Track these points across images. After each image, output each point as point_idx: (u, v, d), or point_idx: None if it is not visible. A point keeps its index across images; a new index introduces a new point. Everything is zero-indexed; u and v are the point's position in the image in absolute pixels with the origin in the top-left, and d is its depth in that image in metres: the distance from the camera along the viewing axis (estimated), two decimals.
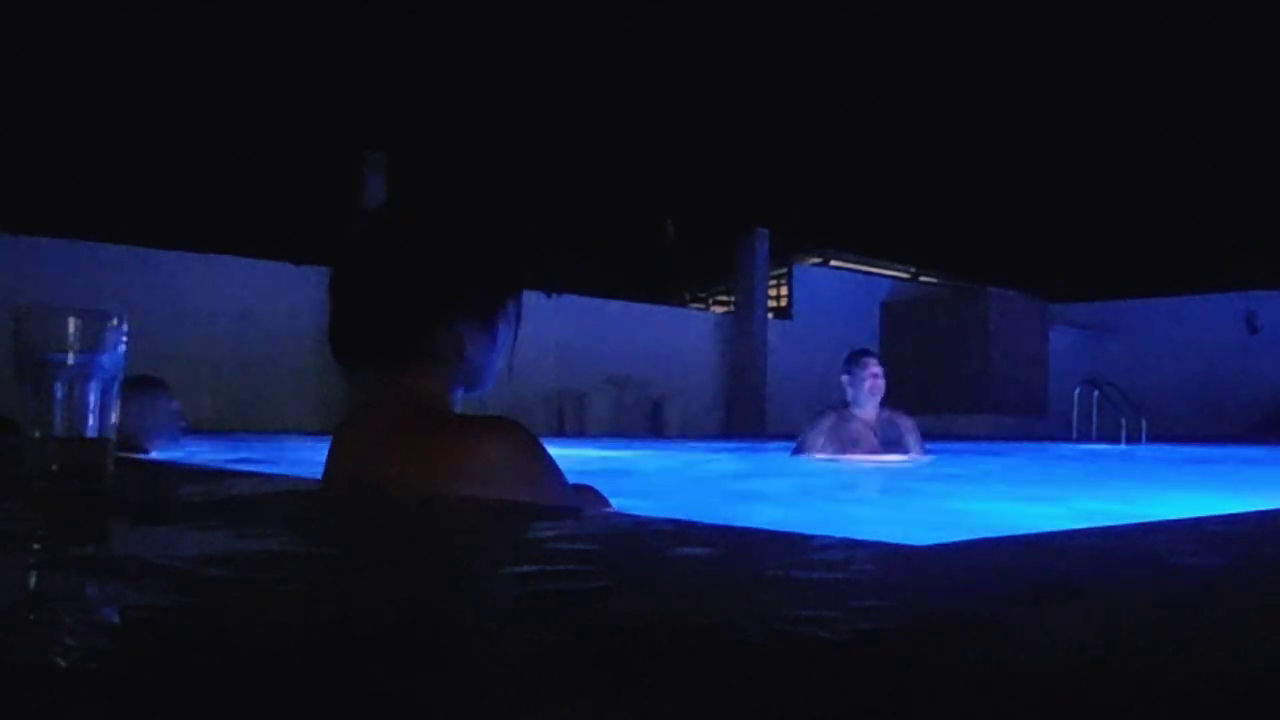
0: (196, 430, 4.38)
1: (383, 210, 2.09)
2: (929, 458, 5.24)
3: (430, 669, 0.51)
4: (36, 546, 0.96)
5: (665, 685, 0.48)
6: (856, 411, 5.13)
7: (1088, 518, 2.78)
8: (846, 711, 0.45)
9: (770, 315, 13.50)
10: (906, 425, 5.22)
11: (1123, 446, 9.58)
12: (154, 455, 4.12)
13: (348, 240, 1.69)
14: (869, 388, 5.06)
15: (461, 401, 1.66)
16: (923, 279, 15.55)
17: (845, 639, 0.57)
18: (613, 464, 5.51)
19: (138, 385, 4.28)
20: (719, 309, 14.62)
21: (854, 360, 5.15)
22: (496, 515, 1.27)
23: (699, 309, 14.91)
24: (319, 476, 1.68)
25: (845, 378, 5.12)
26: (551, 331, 10.78)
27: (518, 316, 1.68)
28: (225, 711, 0.45)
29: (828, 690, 0.48)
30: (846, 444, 5.06)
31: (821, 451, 5.12)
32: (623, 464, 5.79)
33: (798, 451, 5.25)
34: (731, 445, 8.54)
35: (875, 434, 5.10)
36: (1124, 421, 10.36)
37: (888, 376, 5.17)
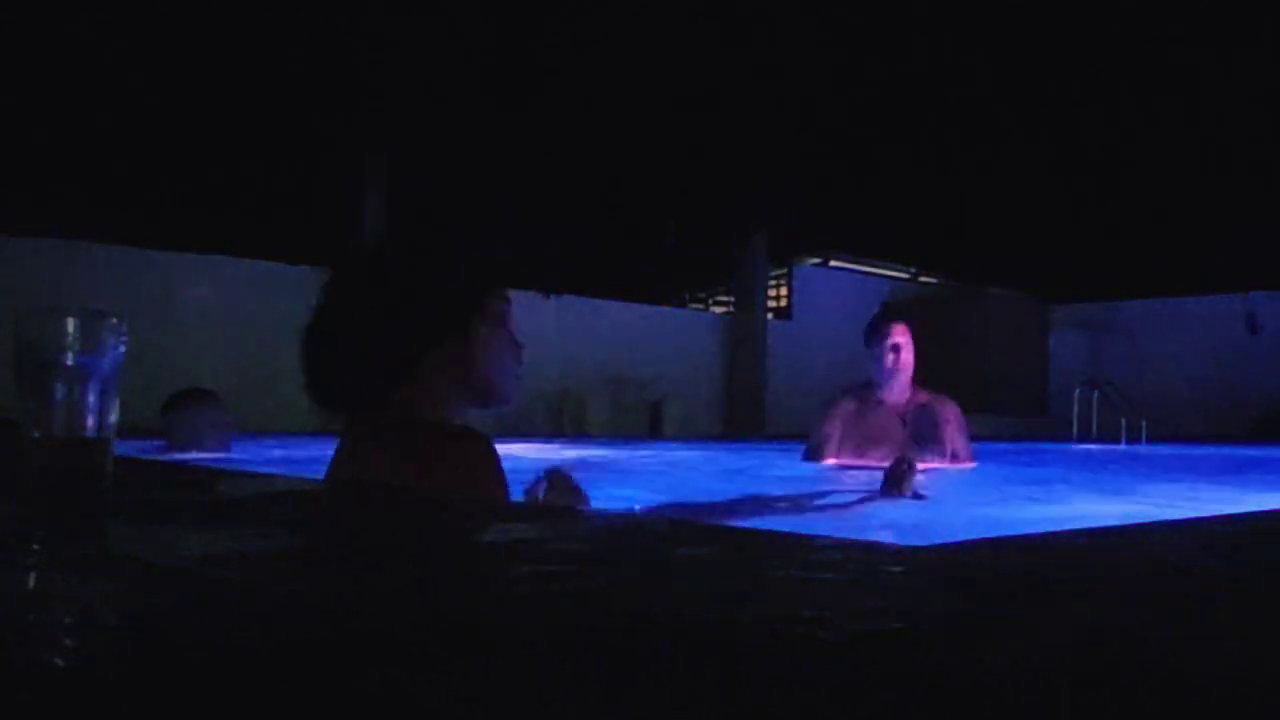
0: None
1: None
2: (973, 464, 4.19)
3: (430, 669, 0.51)
4: (36, 546, 0.96)
5: (666, 685, 0.48)
6: (880, 395, 4.15)
7: (1088, 518, 2.78)
8: (846, 711, 0.45)
9: (770, 315, 13.49)
10: (948, 416, 4.19)
11: (1123, 447, 9.58)
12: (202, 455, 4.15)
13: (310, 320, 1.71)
14: (890, 363, 4.10)
15: (482, 417, 1.70)
16: (923, 279, 15.55)
17: (845, 639, 0.57)
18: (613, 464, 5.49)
19: (188, 397, 4.29)
20: (719, 309, 14.61)
21: (873, 329, 4.17)
22: (496, 515, 1.27)
23: (699, 309, 14.91)
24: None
25: (867, 351, 4.17)
26: (551, 331, 10.78)
27: (498, 323, 1.71)
28: (225, 711, 0.45)
29: (828, 690, 0.48)
30: (866, 439, 4.09)
31: (838, 452, 4.16)
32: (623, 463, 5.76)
33: (809, 455, 4.28)
34: (734, 446, 8.54)
35: (904, 425, 4.11)
36: (1124, 422, 10.35)
37: (917, 351, 4.18)
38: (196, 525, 1.15)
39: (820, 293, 14.24)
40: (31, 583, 0.77)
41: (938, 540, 0.93)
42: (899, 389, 4.16)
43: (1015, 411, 13.79)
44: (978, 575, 0.83)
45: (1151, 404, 11.38)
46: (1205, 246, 12.62)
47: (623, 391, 11.70)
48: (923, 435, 4.10)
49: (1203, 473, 5.65)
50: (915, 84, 10.40)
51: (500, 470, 1.60)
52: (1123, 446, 9.59)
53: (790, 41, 9.56)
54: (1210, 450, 7.80)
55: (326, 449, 1.78)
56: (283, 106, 9.02)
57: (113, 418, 1.27)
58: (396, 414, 1.64)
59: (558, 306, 11.06)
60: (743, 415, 12.61)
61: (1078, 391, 11.72)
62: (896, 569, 0.85)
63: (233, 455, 4.09)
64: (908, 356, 4.15)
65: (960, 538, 0.96)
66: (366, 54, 9.09)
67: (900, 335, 4.14)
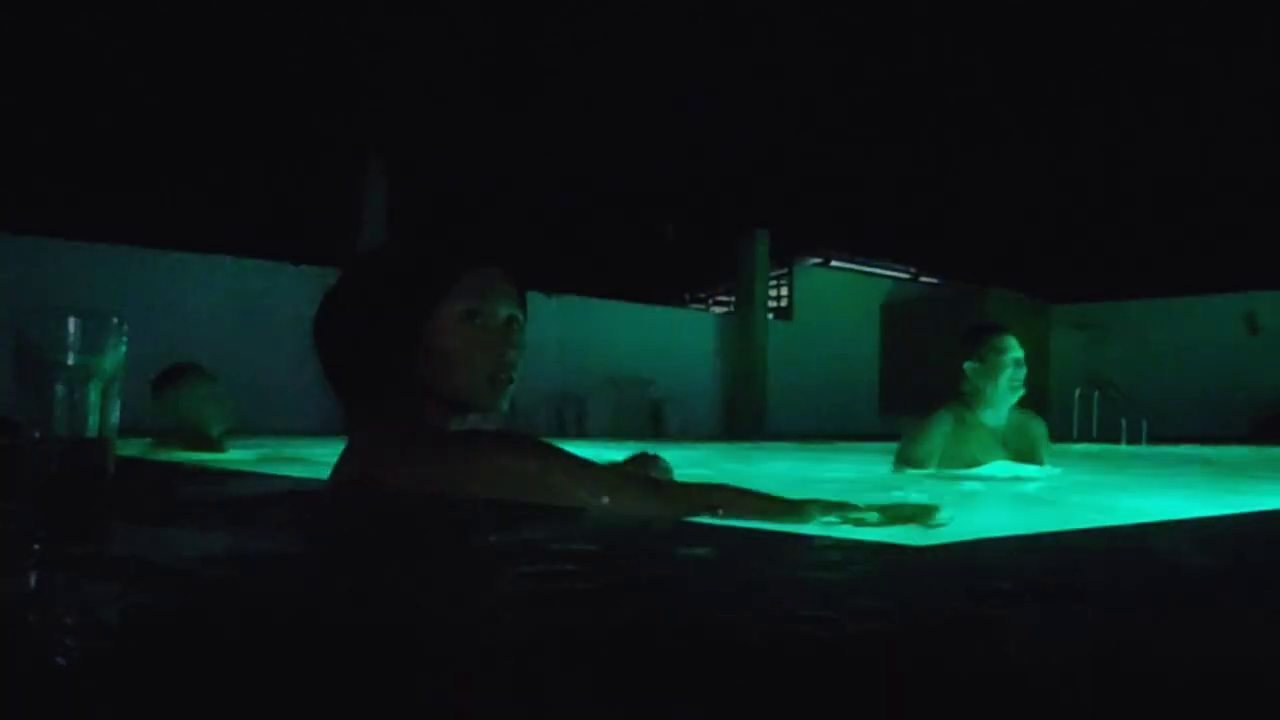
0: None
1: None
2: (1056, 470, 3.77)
3: (430, 669, 0.51)
4: (36, 547, 0.96)
5: (666, 685, 0.48)
6: (983, 414, 3.59)
7: (1089, 518, 2.78)
8: (847, 711, 0.45)
9: (770, 315, 13.50)
10: (1040, 433, 3.77)
11: (1123, 447, 9.58)
12: (222, 444, 4.06)
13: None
14: (1009, 382, 3.55)
15: (473, 421, 1.65)
16: (923, 279, 15.57)
17: (845, 639, 0.57)
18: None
19: (183, 374, 4.18)
20: (719, 309, 14.62)
21: (982, 340, 3.56)
22: (496, 515, 1.27)
23: (699, 309, 14.91)
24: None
25: (973, 365, 3.54)
26: (551, 332, 10.78)
27: (458, 322, 1.60)
28: (225, 711, 0.45)
29: (828, 690, 0.48)
30: (964, 463, 3.56)
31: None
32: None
33: (904, 466, 3.67)
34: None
35: (1006, 446, 3.64)
36: (1124, 422, 10.35)
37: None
38: (196, 525, 1.15)
39: (820, 293, 14.25)
40: (31, 583, 0.77)
41: (938, 540, 0.93)
42: (1007, 410, 3.63)
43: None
44: (978, 575, 0.83)
45: (1152, 404, 11.38)
46: (1205, 246, 12.62)
47: (623, 391, 11.71)
48: (1022, 458, 3.65)
49: (1203, 473, 5.65)
50: (915, 84, 10.40)
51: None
52: (1123, 446, 9.59)
53: (790, 41, 9.57)
54: (1210, 450, 7.80)
55: (326, 449, 1.78)
56: (283, 106, 9.02)
57: (114, 418, 1.27)
58: (393, 416, 1.62)
59: (558, 307, 11.07)
60: (743, 415, 12.61)
61: (1078, 392, 11.72)
62: (896, 569, 0.85)
63: (232, 455, 4.04)
64: (1024, 373, 3.62)
65: (961, 538, 0.96)
66: (366, 54, 9.09)
67: (1019, 350, 3.60)
